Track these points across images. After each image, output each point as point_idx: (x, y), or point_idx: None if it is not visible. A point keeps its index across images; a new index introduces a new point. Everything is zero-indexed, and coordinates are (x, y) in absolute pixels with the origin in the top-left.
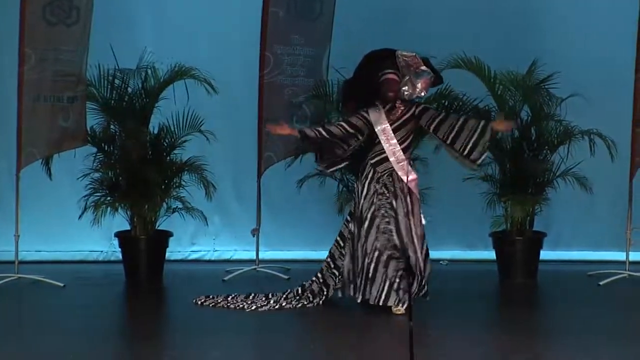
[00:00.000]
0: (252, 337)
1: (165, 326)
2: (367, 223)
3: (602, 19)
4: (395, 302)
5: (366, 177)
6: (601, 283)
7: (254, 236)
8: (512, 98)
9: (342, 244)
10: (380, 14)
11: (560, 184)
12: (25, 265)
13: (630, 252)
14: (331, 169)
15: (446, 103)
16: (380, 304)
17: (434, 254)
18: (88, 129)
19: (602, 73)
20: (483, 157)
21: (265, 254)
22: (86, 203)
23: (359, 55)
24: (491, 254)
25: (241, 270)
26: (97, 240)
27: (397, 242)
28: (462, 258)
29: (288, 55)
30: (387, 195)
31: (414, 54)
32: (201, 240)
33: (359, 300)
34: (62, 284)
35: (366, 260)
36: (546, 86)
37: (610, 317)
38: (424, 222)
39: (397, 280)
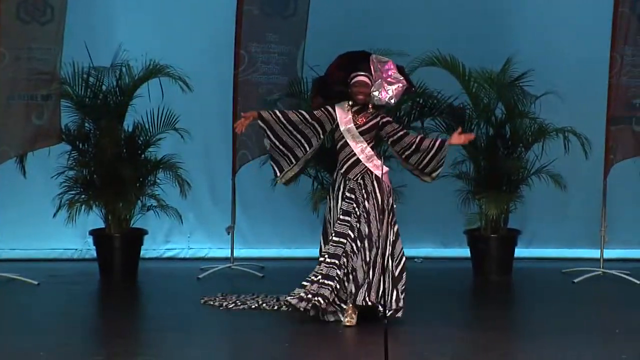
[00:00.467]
0: (229, 336)
1: (139, 324)
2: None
3: (577, 18)
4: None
5: (339, 189)
6: (575, 280)
7: (228, 234)
8: (486, 96)
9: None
10: (354, 12)
11: (535, 181)
12: (0, 263)
13: (604, 250)
14: (289, 184)
15: (421, 101)
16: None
17: (408, 252)
18: (62, 127)
19: (576, 71)
20: (438, 171)
21: (240, 252)
22: (60, 201)
23: (334, 54)
24: (466, 252)
25: (216, 268)
26: (71, 238)
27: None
28: (436, 256)
29: (263, 53)
30: (355, 197)
31: (389, 60)
32: (176, 238)
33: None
34: (36, 282)
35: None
36: (520, 84)
37: (584, 314)
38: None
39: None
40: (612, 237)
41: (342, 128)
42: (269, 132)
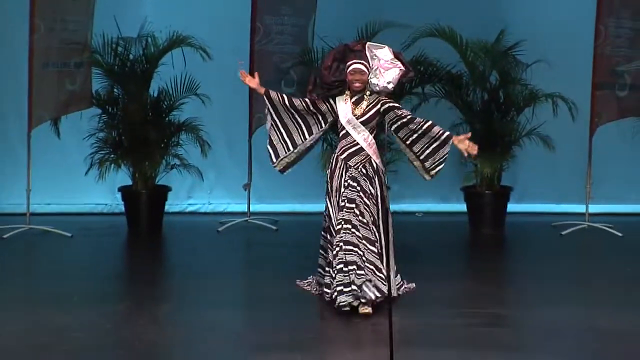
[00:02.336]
0: (246, 282)
1: (164, 272)
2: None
3: None
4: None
5: (339, 177)
6: (563, 233)
7: (245, 190)
8: (482, 64)
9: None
10: None
11: (526, 142)
12: (36, 217)
13: (589, 205)
14: (286, 171)
15: (422, 69)
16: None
17: (410, 207)
18: (93, 92)
19: (564, 41)
20: (437, 169)
21: (255, 207)
22: (92, 160)
23: (342, 25)
24: (462, 207)
25: (234, 222)
26: (101, 194)
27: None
28: (435, 210)
29: (276, 25)
30: (359, 184)
31: (385, 46)
32: (197, 195)
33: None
34: (69, 234)
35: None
36: (513, 53)
37: (571, 263)
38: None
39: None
40: (596, 193)
41: (342, 120)
42: (272, 111)
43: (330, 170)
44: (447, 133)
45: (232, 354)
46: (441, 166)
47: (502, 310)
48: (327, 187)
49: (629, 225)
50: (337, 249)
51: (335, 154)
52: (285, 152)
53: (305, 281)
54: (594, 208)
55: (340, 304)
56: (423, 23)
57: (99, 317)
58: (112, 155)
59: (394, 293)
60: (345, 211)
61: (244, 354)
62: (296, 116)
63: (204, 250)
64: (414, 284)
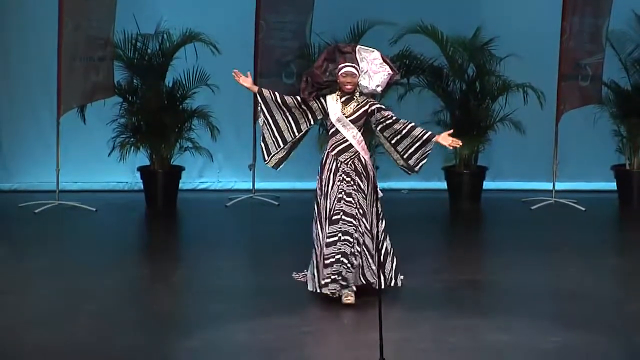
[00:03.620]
0: (252, 252)
1: (178, 243)
2: (327, 215)
3: None
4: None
5: (330, 170)
6: (532, 207)
7: (250, 170)
8: (460, 58)
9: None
10: None
11: (500, 127)
12: (64, 193)
13: (556, 183)
14: (278, 167)
15: (407, 62)
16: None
17: (396, 185)
18: (115, 83)
19: (533, 37)
20: (421, 164)
21: (259, 185)
22: (114, 143)
23: (336, 22)
24: (443, 185)
25: (240, 198)
26: (122, 174)
27: (359, 231)
28: (419, 188)
29: (278, 22)
30: (352, 179)
31: (374, 50)
32: (207, 174)
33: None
34: (94, 209)
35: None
36: (488, 48)
37: (539, 234)
38: (380, 194)
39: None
40: (562, 172)
41: (332, 118)
42: (264, 109)
43: (321, 165)
44: (428, 133)
45: (240, 315)
46: (424, 161)
47: (478, 276)
48: (318, 182)
49: (591, 201)
50: (335, 239)
51: (326, 151)
52: (276, 149)
53: (301, 274)
54: (560, 185)
55: (330, 290)
56: (408, 21)
57: (120, 282)
58: (132, 139)
59: (389, 283)
60: (344, 203)
61: (248, 314)
62: (287, 113)
63: (214, 223)
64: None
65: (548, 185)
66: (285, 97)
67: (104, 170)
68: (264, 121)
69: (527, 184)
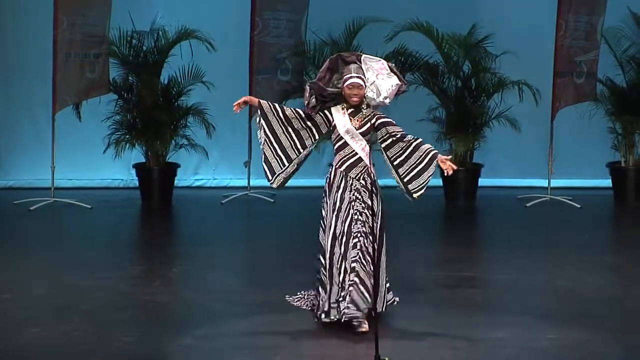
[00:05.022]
0: (247, 249)
1: (173, 240)
2: (343, 237)
3: None
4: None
5: (339, 188)
6: (528, 205)
7: (246, 167)
8: (455, 55)
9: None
10: None
11: (495, 124)
12: (60, 190)
13: (551, 180)
14: (282, 187)
15: (402, 59)
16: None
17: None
18: (110, 80)
19: (529, 34)
20: (420, 193)
21: (255, 182)
22: (109, 140)
23: (331, 20)
24: (438, 182)
25: (235, 195)
26: (118, 171)
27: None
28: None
29: (273, 19)
30: (363, 198)
31: (380, 59)
32: (203, 171)
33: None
34: (89, 206)
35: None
36: (484, 45)
37: (534, 231)
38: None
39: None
40: (557, 169)
41: (341, 131)
42: (264, 125)
43: (329, 183)
44: (434, 152)
45: (234, 312)
46: (422, 191)
47: (473, 273)
48: (325, 199)
49: (587, 198)
50: (355, 264)
51: (334, 167)
52: (281, 168)
53: (295, 297)
54: (555, 182)
55: (346, 315)
56: (403, 18)
57: (115, 279)
58: (127, 136)
59: (381, 309)
60: (360, 225)
61: (243, 311)
62: (289, 130)
63: (209, 220)
64: (397, 299)
65: (543, 183)
66: (286, 110)
67: (99, 168)
68: (264, 140)
69: (522, 181)
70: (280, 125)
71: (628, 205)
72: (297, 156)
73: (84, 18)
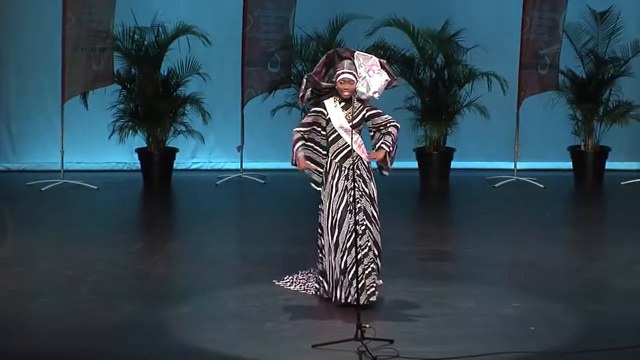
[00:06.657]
0: (240, 226)
1: (172, 218)
2: (339, 224)
3: None
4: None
5: (333, 178)
6: (496, 185)
7: (239, 151)
8: (430, 48)
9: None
10: None
11: (466, 112)
12: (69, 173)
13: (517, 162)
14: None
15: (381, 52)
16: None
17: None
18: (114, 72)
19: (497, 29)
20: (385, 171)
21: (247, 165)
22: (114, 127)
23: (317, 16)
24: (414, 164)
25: (229, 177)
26: (121, 155)
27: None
28: (393, 167)
29: (264, 16)
30: (359, 187)
31: (372, 56)
32: (199, 155)
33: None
34: (96, 187)
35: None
36: (456, 39)
37: (502, 209)
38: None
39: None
40: (523, 153)
41: (335, 124)
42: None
43: (325, 172)
44: (380, 144)
45: (229, 284)
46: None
47: (446, 247)
48: (322, 191)
49: (550, 179)
50: (367, 250)
51: (329, 159)
52: (320, 176)
53: (285, 281)
54: (521, 165)
55: (371, 300)
56: (382, 15)
57: (119, 253)
58: (130, 123)
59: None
60: (363, 214)
61: (238, 284)
62: (312, 145)
63: (205, 200)
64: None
65: (510, 165)
66: (295, 140)
67: (104, 152)
68: (309, 171)
69: (490, 163)
70: (306, 149)
71: (587, 185)
72: (323, 158)
73: (90, 15)
